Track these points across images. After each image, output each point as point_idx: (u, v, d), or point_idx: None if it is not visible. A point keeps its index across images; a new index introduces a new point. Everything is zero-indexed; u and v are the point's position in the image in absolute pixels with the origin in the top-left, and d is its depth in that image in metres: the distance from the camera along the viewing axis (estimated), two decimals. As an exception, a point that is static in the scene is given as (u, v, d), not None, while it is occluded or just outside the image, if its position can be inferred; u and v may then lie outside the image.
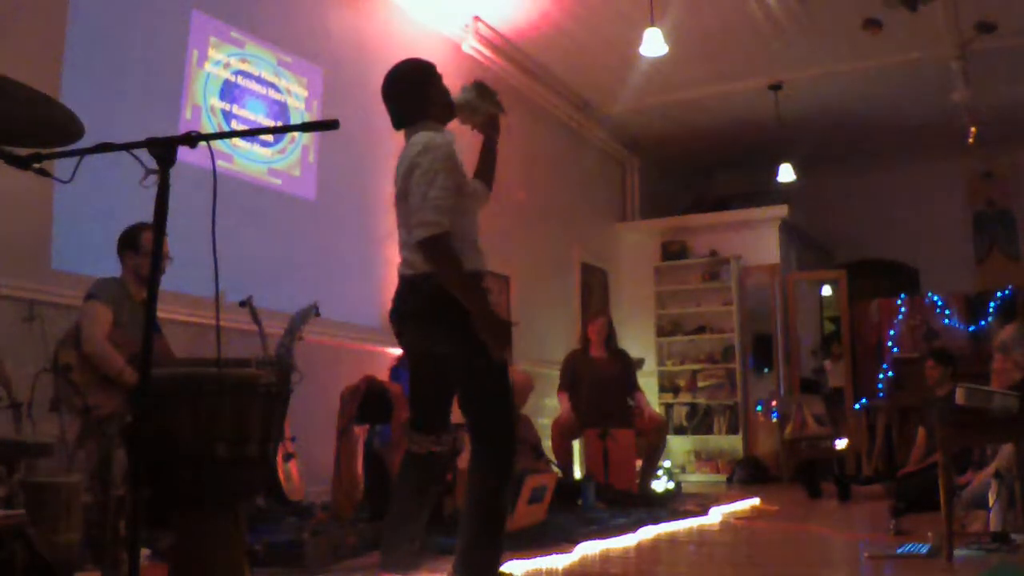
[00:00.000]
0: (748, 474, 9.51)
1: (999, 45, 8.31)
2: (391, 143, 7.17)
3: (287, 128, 2.19)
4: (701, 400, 10.65)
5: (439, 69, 3.22)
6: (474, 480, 2.80)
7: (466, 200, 2.99)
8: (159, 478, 2.56)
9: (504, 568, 2.99)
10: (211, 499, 2.62)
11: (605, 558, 4.18)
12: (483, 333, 2.82)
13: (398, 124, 3.19)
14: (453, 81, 3.27)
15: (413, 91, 3.14)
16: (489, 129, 3.27)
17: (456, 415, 3.05)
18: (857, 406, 9.89)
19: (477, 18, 7.94)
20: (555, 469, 6.69)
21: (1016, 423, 3.97)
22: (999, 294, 10.09)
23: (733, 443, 10.34)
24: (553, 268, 9.46)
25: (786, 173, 9.95)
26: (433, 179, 2.86)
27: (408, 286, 2.99)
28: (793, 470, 9.09)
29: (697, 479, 10.04)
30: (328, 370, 5.88)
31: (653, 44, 6.94)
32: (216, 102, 5.74)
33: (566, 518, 5.24)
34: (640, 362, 8.39)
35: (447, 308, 2.88)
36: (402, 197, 3.01)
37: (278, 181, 6.16)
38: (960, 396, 4.24)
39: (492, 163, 3.33)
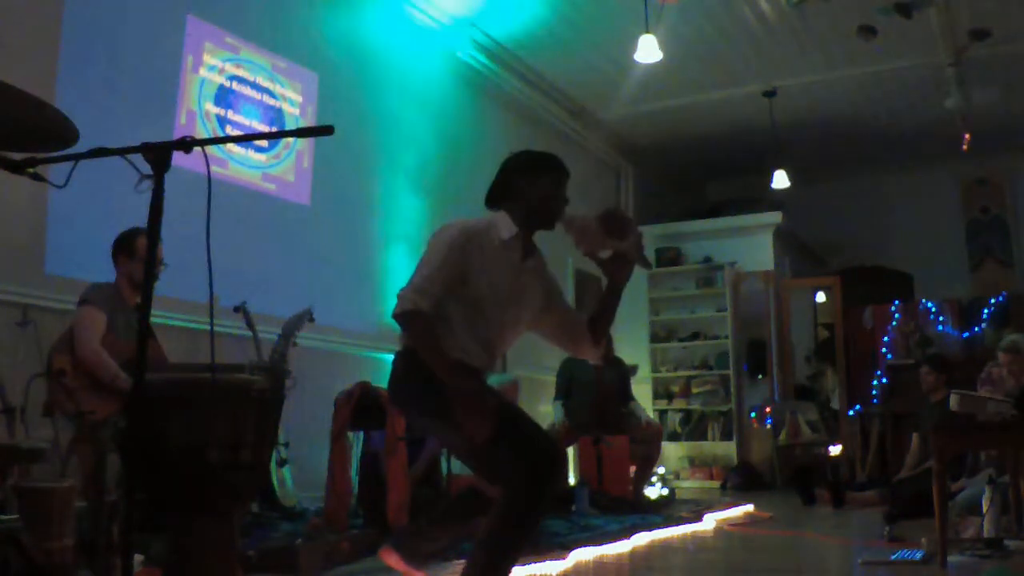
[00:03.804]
0: (742, 480, 9.51)
1: (993, 52, 8.35)
2: (385, 149, 7.21)
3: (282, 133, 2.18)
4: (695, 406, 10.66)
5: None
6: (504, 489, 2.63)
7: (472, 295, 2.78)
8: (153, 483, 2.56)
9: None
10: (205, 505, 2.62)
11: (599, 564, 4.17)
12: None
13: (486, 202, 3.01)
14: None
15: (504, 174, 2.95)
16: (610, 267, 2.86)
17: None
18: (851, 412, 9.90)
19: (473, 24, 7.94)
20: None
21: (1010, 430, 3.98)
22: (993, 301, 10.11)
23: (727, 449, 10.34)
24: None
25: (780, 179, 9.96)
26: (427, 262, 2.77)
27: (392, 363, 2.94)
28: (787, 476, 9.09)
29: (691, 485, 10.04)
30: (322, 375, 5.88)
31: (648, 51, 6.94)
32: (211, 107, 5.74)
33: (560, 524, 5.24)
34: (634, 368, 8.38)
35: (405, 386, 2.83)
36: None
37: (272, 186, 6.16)
38: (954, 403, 4.25)
39: (604, 313, 2.96)
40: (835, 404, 10.17)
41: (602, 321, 2.97)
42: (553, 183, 2.91)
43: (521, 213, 2.88)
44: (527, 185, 2.89)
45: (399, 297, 2.74)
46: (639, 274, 10.85)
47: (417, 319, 2.71)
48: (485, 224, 2.87)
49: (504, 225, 2.87)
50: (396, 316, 2.74)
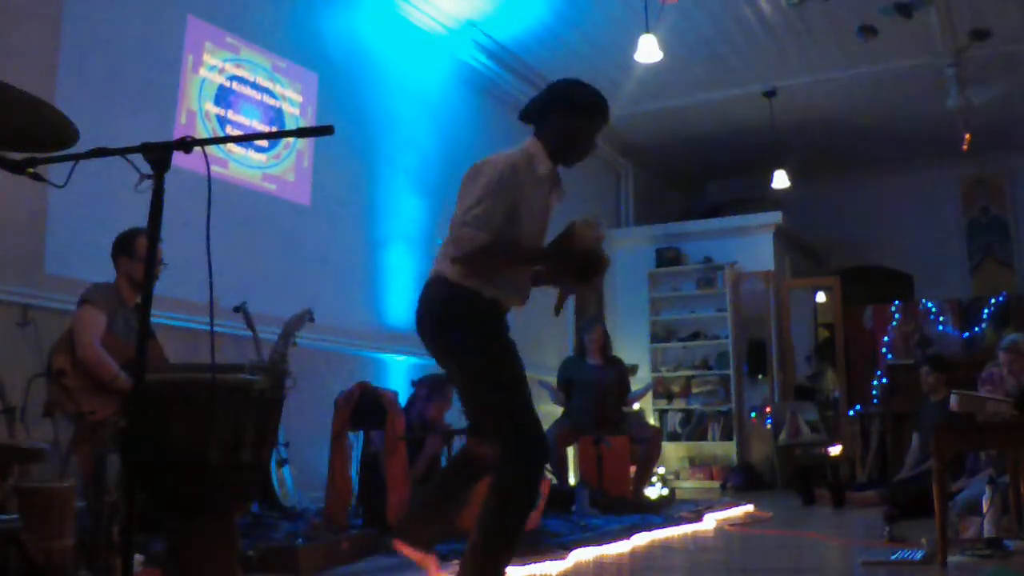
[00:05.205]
0: (742, 480, 9.51)
1: (993, 52, 8.35)
2: (385, 149, 7.20)
3: (282, 134, 2.18)
4: (695, 406, 10.65)
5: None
6: (492, 485, 2.67)
7: (513, 235, 2.74)
8: (153, 484, 2.55)
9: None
10: (205, 505, 2.62)
11: (599, 564, 4.17)
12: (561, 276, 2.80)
13: (521, 114, 2.98)
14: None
15: (548, 98, 2.93)
16: (551, 270, 2.95)
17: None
18: (851, 412, 9.89)
19: (473, 25, 7.94)
20: (549, 475, 6.68)
21: (1010, 430, 3.98)
22: (993, 301, 10.11)
23: (727, 449, 10.34)
24: (547, 274, 9.42)
25: (780, 180, 9.96)
26: (481, 196, 2.67)
27: (423, 288, 2.89)
28: (787, 476, 9.08)
29: (691, 485, 10.03)
30: (322, 376, 5.88)
31: (648, 51, 6.94)
32: (211, 107, 5.74)
33: (560, 524, 5.23)
34: (634, 368, 8.38)
35: (436, 311, 2.80)
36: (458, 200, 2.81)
37: (273, 186, 6.16)
38: (954, 403, 4.25)
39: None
40: (836, 400, 10.17)
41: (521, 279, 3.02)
42: (589, 127, 2.93)
43: (548, 142, 2.87)
44: (564, 118, 2.88)
45: (458, 239, 2.66)
46: (639, 274, 10.90)
47: (487, 249, 2.65)
48: (526, 157, 2.82)
49: (540, 159, 2.85)
50: (464, 257, 2.66)
